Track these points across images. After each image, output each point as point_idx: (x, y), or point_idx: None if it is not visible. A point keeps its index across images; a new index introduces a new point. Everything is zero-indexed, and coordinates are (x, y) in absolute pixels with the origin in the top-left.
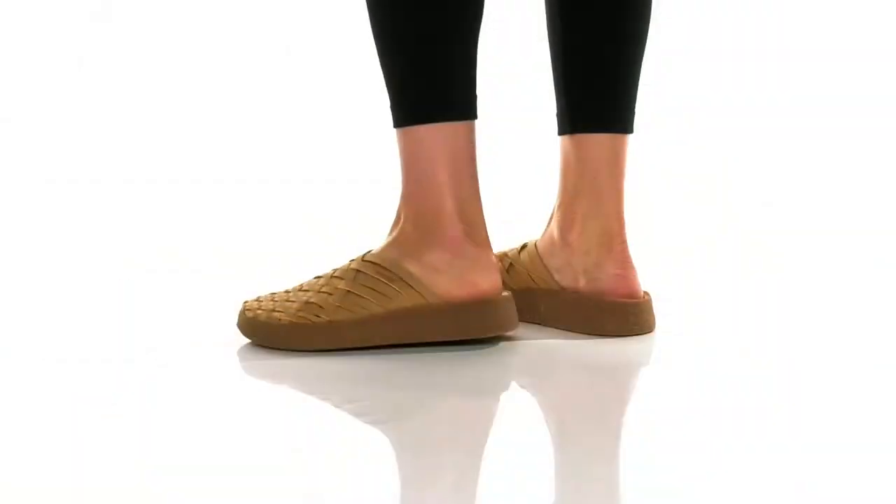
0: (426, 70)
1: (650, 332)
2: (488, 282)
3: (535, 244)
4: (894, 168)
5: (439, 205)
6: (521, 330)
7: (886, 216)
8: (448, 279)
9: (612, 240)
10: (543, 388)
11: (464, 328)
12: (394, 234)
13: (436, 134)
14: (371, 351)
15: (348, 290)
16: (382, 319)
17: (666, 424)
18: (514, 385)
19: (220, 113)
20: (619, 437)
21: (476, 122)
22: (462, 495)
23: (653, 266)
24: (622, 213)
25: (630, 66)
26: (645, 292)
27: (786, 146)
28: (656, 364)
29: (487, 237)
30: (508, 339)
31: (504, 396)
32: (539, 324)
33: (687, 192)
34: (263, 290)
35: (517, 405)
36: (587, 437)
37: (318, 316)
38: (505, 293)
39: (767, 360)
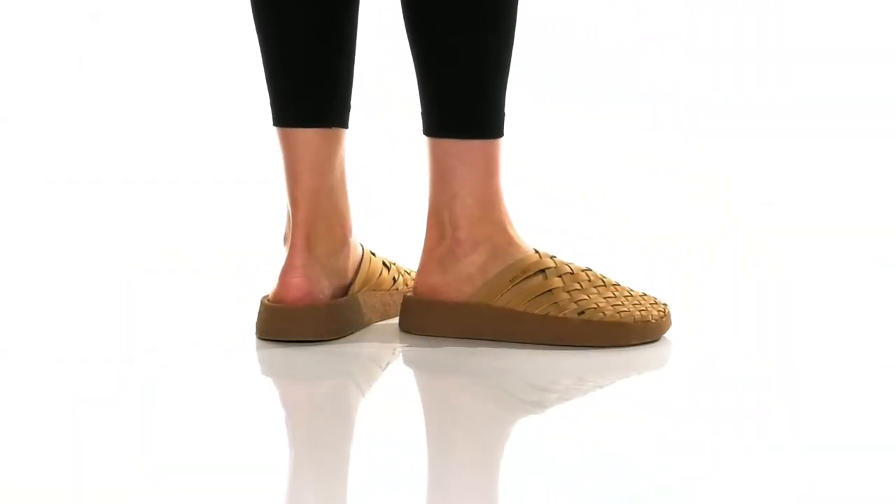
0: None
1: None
2: (277, 287)
3: None
4: (894, 168)
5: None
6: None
7: (886, 216)
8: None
9: None
10: (542, 396)
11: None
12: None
13: (280, 138)
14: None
15: None
16: None
17: (665, 424)
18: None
19: (220, 113)
20: (620, 437)
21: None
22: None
23: (653, 266)
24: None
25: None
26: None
27: (786, 146)
28: (656, 364)
29: (298, 239)
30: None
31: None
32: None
33: (687, 192)
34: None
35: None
36: (587, 435)
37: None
38: (301, 302)
39: (767, 360)
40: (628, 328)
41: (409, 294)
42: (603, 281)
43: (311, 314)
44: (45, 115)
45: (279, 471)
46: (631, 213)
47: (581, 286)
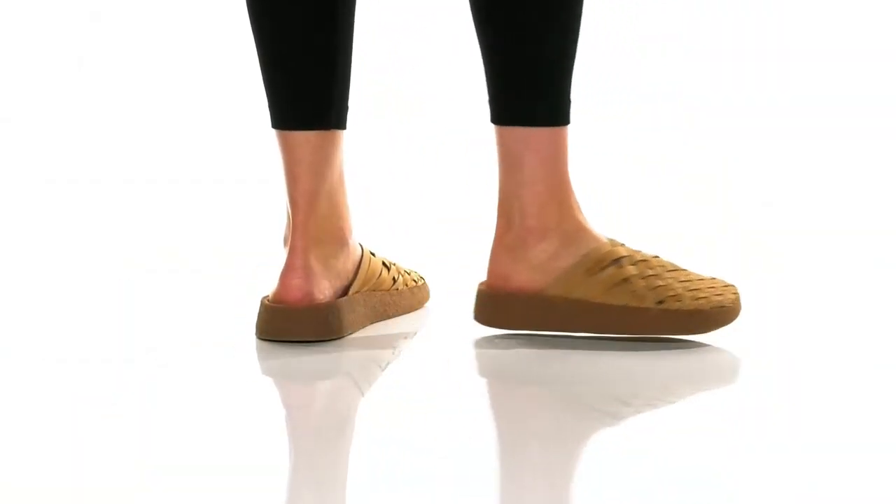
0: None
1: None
2: (277, 288)
3: None
4: (894, 168)
5: None
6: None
7: (886, 216)
8: None
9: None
10: (543, 385)
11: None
12: None
13: (278, 140)
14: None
15: None
16: None
17: (666, 423)
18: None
19: (220, 113)
20: (620, 436)
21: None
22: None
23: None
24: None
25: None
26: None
27: (786, 146)
28: (657, 363)
29: (298, 241)
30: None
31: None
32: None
33: (687, 192)
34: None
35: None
36: (589, 434)
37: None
38: (298, 303)
39: (767, 361)
40: (706, 315)
41: (482, 286)
42: (675, 266)
43: (312, 314)
44: (45, 115)
45: (279, 471)
46: (631, 213)
47: (656, 272)
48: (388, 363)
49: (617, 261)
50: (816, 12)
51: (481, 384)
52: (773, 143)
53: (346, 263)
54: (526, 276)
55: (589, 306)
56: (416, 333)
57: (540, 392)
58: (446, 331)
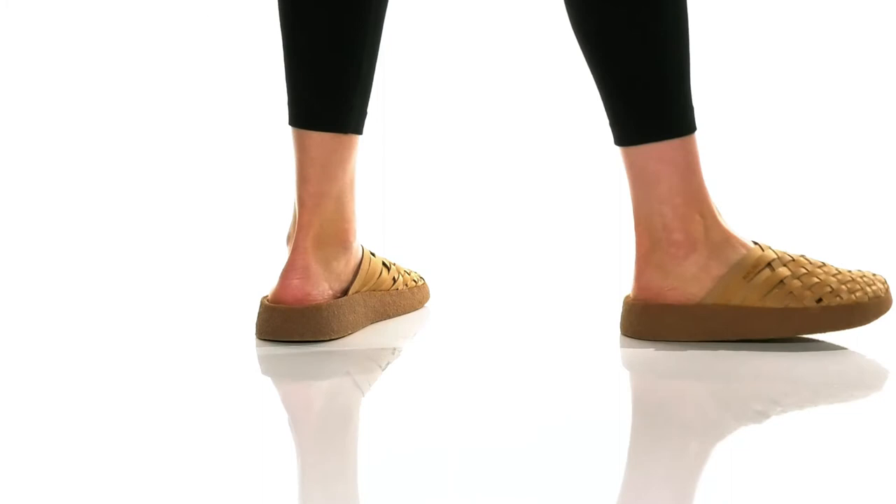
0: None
1: None
2: (276, 287)
3: None
4: (894, 168)
5: None
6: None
7: (886, 216)
8: None
9: None
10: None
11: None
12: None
13: (294, 137)
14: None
15: None
16: None
17: (665, 423)
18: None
19: (220, 113)
20: (625, 437)
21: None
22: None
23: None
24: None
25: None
26: None
27: (786, 146)
28: (658, 363)
29: (301, 241)
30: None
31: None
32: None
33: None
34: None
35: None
36: (595, 435)
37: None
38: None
39: (768, 359)
40: (864, 307)
41: (631, 299)
42: (822, 263)
43: (311, 315)
44: (45, 115)
45: (279, 471)
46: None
47: (807, 269)
48: (387, 363)
49: (769, 264)
50: (816, 12)
51: (485, 383)
52: (774, 142)
53: (347, 266)
54: (680, 291)
55: (750, 311)
56: (415, 334)
57: (681, 388)
58: (446, 331)
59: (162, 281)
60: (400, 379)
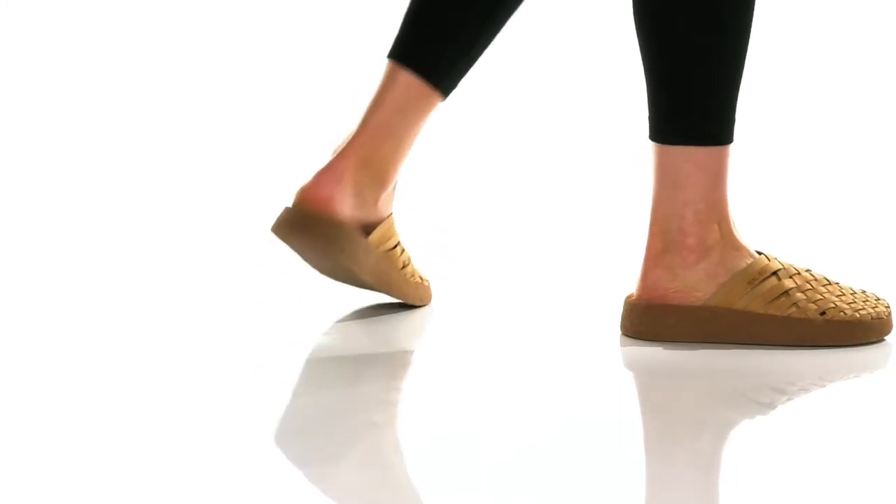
0: None
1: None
2: (307, 182)
3: None
4: (894, 168)
5: None
6: None
7: (886, 216)
8: None
9: None
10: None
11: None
12: None
13: (387, 69)
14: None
15: None
16: None
17: (665, 423)
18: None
19: (219, 113)
20: (637, 437)
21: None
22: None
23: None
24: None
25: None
26: None
27: (787, 146)
28: (660, 362)
29: (350, 151)
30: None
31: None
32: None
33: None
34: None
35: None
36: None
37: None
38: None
39: (770, 360)
40: (866, 326)
41: (633, 299)
42: (827, 280)
43: (328, 227)
44: (45, 115)
45: (280, 470)
46: (632, 213)
47: (812, 286)
48: (388, 363)
49: (775, 273)
50: (816, 12)
51: (487, 383)
52: (775, 143)
53: (376, 207)
54: (684, 294)
55: (753, 317)
56: (418, 334)
57: (680, 385)
58: (447, 330)
59: (162, 281)
60: (399, 378)
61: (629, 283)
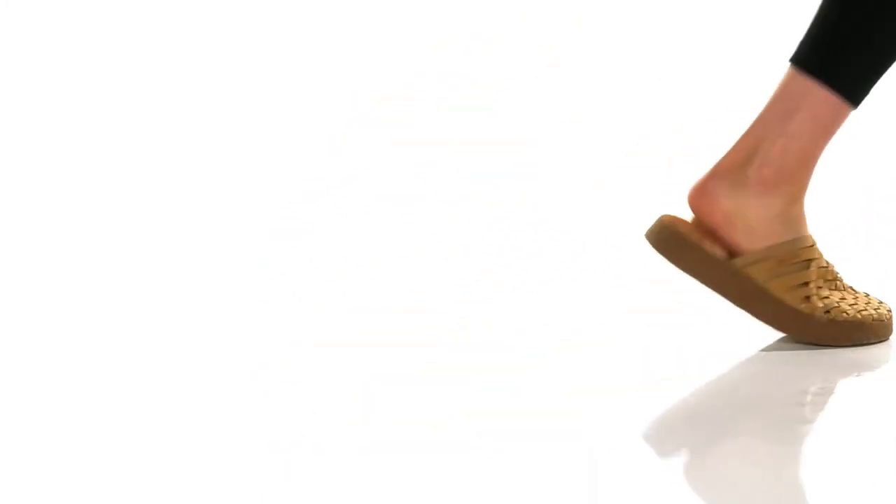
0: None
1: None
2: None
3: None
4: (894, 168)
5: None
6: None
7: (886, 216)
8: None
9: None
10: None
11: None
12: None
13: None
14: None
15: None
16: None
17: (665, 423)
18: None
19: (220, 113)
20: (639, 443)
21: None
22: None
23: (657, 266)
24: None
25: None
26: None
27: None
28: (658, 364)
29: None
30: None
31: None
32: None
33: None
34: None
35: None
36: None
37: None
38: None
39: (770, 360)
40: (868, 328)
41: (671, 218)
42: (837, 277)
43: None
44: (45, 115)
45: (281, 471)
46: (633, 213)
47: (827, 283)
48: (398, 362)
49: (807, 262)
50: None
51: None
52: None
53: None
54: (724, 218)
55: (768, 297)
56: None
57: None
58: (449, 330)
59: (162, 281)
60: (401, 378)
61: (628, 283)
